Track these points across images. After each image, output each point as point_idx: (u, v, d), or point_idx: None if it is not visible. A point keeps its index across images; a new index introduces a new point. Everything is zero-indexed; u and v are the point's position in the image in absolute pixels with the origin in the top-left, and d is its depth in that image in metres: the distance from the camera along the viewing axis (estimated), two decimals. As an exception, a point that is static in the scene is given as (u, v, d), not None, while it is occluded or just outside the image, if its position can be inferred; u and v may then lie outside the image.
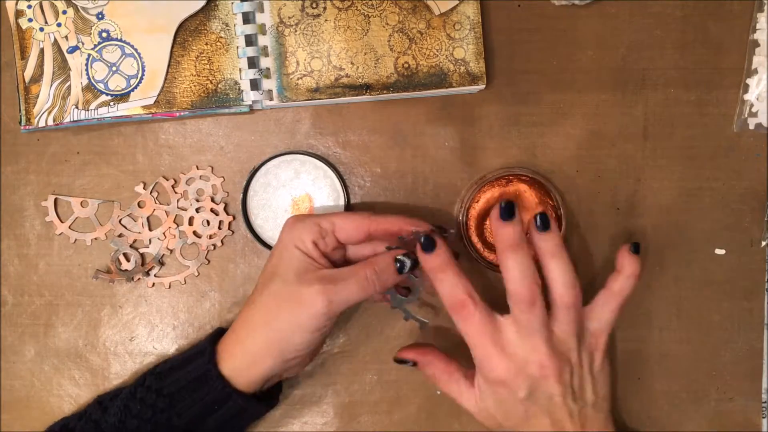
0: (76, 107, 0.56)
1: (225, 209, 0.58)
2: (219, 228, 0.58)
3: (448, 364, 0.53)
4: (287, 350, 0.49)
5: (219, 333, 0.53)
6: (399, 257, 0.51)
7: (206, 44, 0.56)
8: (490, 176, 0.56)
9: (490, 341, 0.49)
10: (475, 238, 0.56)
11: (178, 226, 0.58)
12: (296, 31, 0.56)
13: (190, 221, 0.58)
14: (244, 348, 0.50)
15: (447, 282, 0.49)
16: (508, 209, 0.48)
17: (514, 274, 0.48)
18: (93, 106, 0.56)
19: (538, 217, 0.49)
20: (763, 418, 0.59)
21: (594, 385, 0.50)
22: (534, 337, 0.48)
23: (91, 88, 0.56)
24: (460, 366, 0.52)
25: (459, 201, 0.58)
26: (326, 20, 0.56)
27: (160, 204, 0.58)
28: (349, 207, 0.58)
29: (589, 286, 0.58)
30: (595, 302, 0.51)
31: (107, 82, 0.56)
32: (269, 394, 0.54)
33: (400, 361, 0.54)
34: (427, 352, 0.54)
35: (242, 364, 0.49)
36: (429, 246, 0.49)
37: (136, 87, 0.56)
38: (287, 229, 0.51)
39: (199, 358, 0.51)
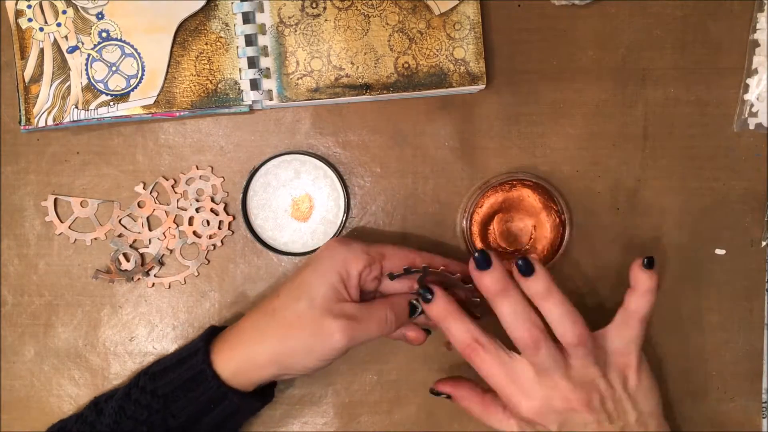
0: (76, 107, 0.56)
1: (225, 209, 0.58)
2: (219, 228, 0.58)
3: (483, 397, 0.52)
4: (294, 368, 0.49)
5: (212, 332, 0.53)
6: (412, 302, 0.51)
7: (206, 44, 0.56)
8: (493, 181, 0.56)
9: (508, 382, 0.48)
10: (479, 244, 0.56)
11: (177, 226, 0.58)
12: (296, 31, 0.56)
13: (190, 221, 0.58)
14: (247, 351, 0.49)
15: (453, 329, 0.49)
16: (483, 259, 0.47)
17: (510, 320, 0.47)
18: (93, 106, 0.56)
19: (520, 263, 0.47)
20: (764, 418, 0.59)
21: (634, 404, 0.49)
22: (551, 375, 0.48)
23: (90, 88, 0.56)
24: (496, 397, 0.51)
25: (462, 206, 0.58)
26: (326, 20, 0.56)
27: (160, 204, 0.58)
28: (348, 207, 0.58)
29: (589, 287, 0.59)
30: (615, 322, 0.50)
31: (107, 82, 0.56)
32: (264, 390, 0.54)
33: (436, 393, 0.54)
34: (463, 385, 0.53)
35: (242, 366, 0.49)
36: (427, 295, 0.50)
37: (135, 87, 0.56)
38: (331, 252, 0.50)
39: (193, 358, 0.50)
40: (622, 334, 0.49)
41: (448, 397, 0.54)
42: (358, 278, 0.50)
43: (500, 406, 0.51)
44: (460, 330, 0.49)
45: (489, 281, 0.47)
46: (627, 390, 0.49)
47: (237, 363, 0.49)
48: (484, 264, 0.47)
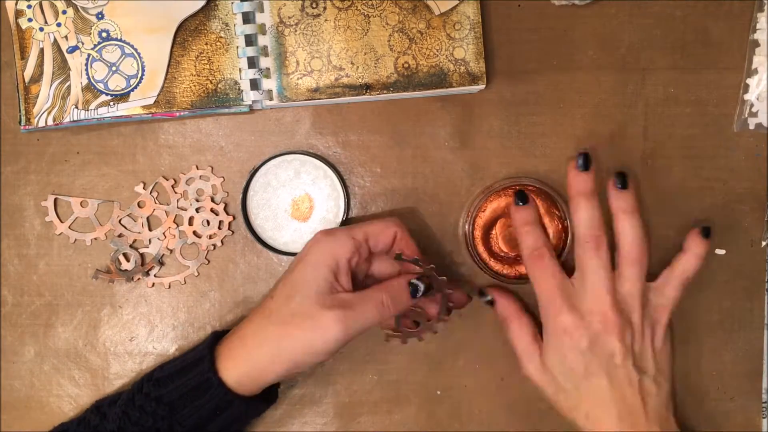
0: (76, 107, 0.56)
1: (225, 209, 0.58)
2: (219, 228, 0.58)
3: (523, 314, 0.55)
4: (295, 367, 0.49)
5: (216, 337, 0.53)
6: (413, 281, 0.51)
7: (206, 44, 0.56)
8: (496, 186, 0.56)
9: (558, 289, 0.51)
10: (481, 248, 0.57)
11: (177, 226, 0.58)
12: (296, 31, 0.56)
13: (190, 221, 0.58)
14: (250, 357, 0.49)
15: (532, 234, 0.53)
16: (587, 159, 0.52)
17: (584, 217, 0.52)
18: (93, 106, 0.56)
19: (617, 176, 0.52)
20: (764, 418, 0.59)
21: (654, 358, 0.52)
22: (598, 286, 0.51)
23: (90, 88, 0.56)
24: (531, 322, 0.55)
25: (465, 211, 0.58)
26: (326, 20, 0.56)
27: (160, 204, 0.58)
28: (348, 207, 0.58)
29: (589, 286, 0.58)
30: (660, 279, 0.53)
31: (107, 82, 0.56)
32: (268, 390, 0.54)
33: (482, 294, 0.56)
34: (508, 296, 0.56)
35: (246, 371, 0.49)
36: (522, 199, 0.54)
37: (135, 87, 0.56)
38: (317, 245, 0.50)
39: (198, 366, 0.50)
40: (664, 291, 0.53)
41: (491, 303, 0.56)
42: (348, 266, 0.50)
43: (531, 333, 0.54)
44: (540, 236, 0.53)
45: (584, 179, 0.52)
46: (653, 343, 0.52)
47: (241, 369, 0.49)
48: (585, 164, 0.52)
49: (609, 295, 0.51)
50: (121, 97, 0.56)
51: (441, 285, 0.52)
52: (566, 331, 0.51)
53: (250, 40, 0.56)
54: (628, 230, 0.52)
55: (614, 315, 0.50)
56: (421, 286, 0.51)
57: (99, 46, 0.56)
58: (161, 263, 0.59)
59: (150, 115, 0.56)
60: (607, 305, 0.50)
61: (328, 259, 0.49)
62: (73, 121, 0.56)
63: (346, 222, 0.58)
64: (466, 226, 0.56)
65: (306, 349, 0.48)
